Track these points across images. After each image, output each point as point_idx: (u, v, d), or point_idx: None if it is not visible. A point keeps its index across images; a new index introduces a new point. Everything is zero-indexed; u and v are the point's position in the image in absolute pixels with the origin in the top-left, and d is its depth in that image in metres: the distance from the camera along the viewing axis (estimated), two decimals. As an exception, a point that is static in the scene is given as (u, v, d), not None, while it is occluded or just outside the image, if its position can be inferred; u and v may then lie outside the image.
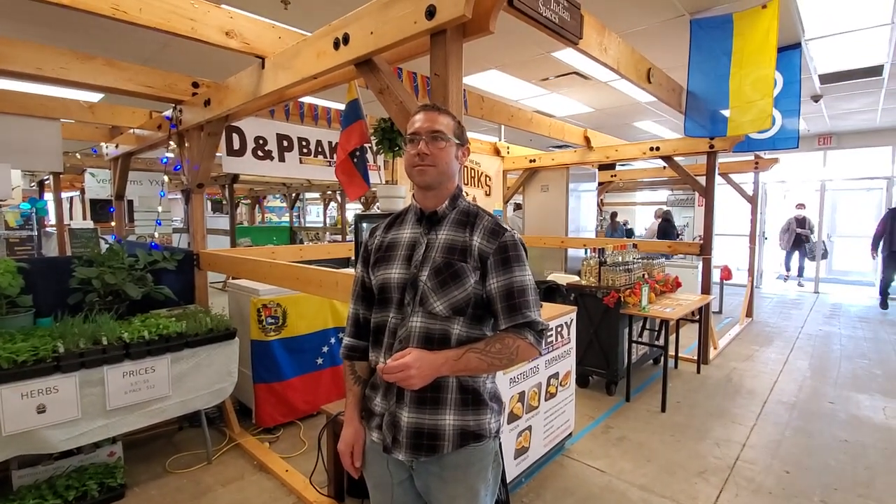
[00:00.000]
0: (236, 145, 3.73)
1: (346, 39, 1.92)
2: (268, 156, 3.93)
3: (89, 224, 8.14)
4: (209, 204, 14.33)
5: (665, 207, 11.12)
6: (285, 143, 4.07)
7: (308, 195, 16.40)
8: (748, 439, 3.26)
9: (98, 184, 8.21)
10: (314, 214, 21.72)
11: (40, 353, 2.23)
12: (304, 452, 3.06)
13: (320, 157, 4.35)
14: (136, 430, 2.57)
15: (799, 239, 9.48)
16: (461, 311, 1.21)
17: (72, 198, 12.76)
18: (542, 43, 4.31)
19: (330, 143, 4.43)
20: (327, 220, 17.76)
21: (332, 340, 3.63)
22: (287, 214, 19.67)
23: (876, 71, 5.24)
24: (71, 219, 11.55)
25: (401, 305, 1.25)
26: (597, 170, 6.85)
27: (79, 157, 6.34)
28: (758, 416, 3.63)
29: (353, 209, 16.41)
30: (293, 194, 13.26)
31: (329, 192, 15.25)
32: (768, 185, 9.72)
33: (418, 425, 1.22)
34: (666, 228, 9.64)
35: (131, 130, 4.47)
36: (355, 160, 2.37)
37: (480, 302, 1.23)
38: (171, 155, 3.64)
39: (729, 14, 3.63)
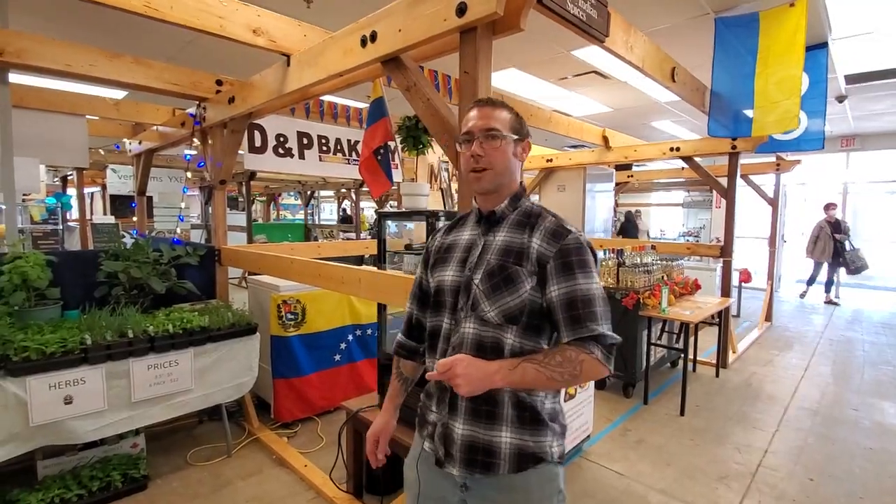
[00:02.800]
0: (258, 142, 3.76)
1: (373, 37, 1.93)
2: (288, 153, 3.96)
3: (110, 219, 8.30)
4: (225, 199, 14.51)
5: (629, 209, 11.65)
6: (305, 141, 4.10)
7: (322, 193, 16.51)
8: (770, 445, 3.21)
9: (119, 180, 8.36)
10: (327, 212, 21.86)
11: (69, 344, 2.27)
12: (322, 448, 3.08)
13: (339, 154, 4.37)
14: (159, 422, 2.61)
15: (836, 248, 7.78)
16: (514, 318, 1.11)
17: (93, 193, 13.01)
18: (563, 41, 4.28)
19: (349, 140, 4.45)
20: (340, 217, 17.89)
21: (350, 338, 3.65)
22: (301, 212, 19.84)
23: (905, 71, 5.11)
24: (92, 214, 11.77)
25: (454, 310, 1.19)
26: (614, 170, 6.79)
27: (102, 153, 6.46)
28: (779, 421, 3.56)
29: (369, 206, 16.49)
30: (308, 192, 13.37)
31: (343, 190, 15.35)
32: (788, 186, 9.55)
33: (472, 439, 1.15)
34: (627, 228, 10.28)
35: (155, 127, 4.54)
36: (379, 158, 2.38)
37: (538, 311, 1.12)
38: (193, 152, 3.68)
39: (755, 12, 3.56)
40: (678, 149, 5.05)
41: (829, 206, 8.00)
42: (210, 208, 3.54)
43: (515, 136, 1.19)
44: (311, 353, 3.41)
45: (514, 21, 1.62)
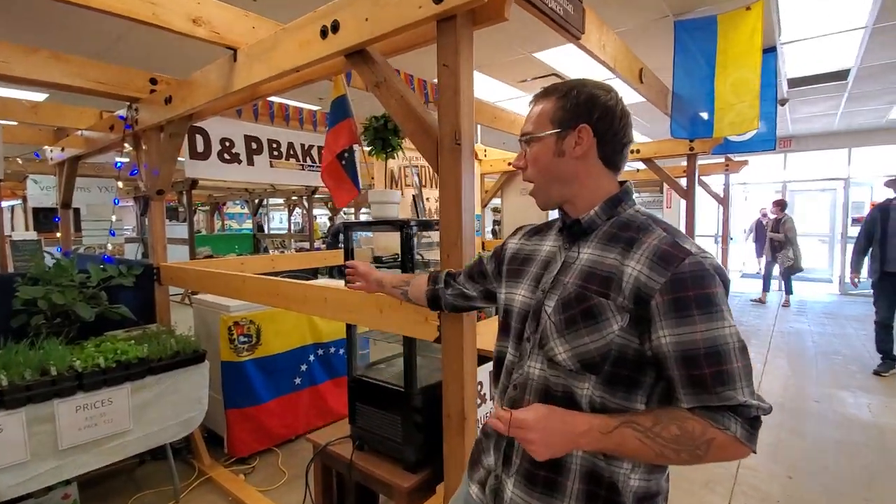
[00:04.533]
0: (200, 147, 3.42)
1: (335, 27, 1.71)
2: (235, 159, 3.64)
3: (32, 235, 7.50)
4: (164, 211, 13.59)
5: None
6: (254, 146, 3.78)
7: (272, 201, 15.83)
8: (744, 444, 3.21)
9: (42, 191, 7.58)
10: (277, 221, 21.07)
11: (-28, 389, 1.89)
12: (284, 483, 2.78)
13: (292, 160, 4.07)
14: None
15: (772, 245, 7.73)
16: (593, 366, 0.85)
17: (13, 207, 11.82)
18: (526, 44, 4.20)
19: (303, 145, 4.16)
20: (292, 227, 17.20)
21: (311, 358, 3.37)
22: (248, 221, 18.97)
23: (842, 75, 5.42)
24: (13, 229, 10.68)
25: (519, 339, 0.98)
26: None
27: (20, 162, 5.78)
28: (749, 418, 3.60)
29: (321, 214, 15.97)
30: (256, 200, 12.73)
31: (294, 198, 14.77)
32: (731, 187, 10.02)
33: None
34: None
35: (79, 132, 4.06)
36: (343, 162, 2.15)
37: (632, 360, 0.84)
38: (125, 160, 3.29)
39: (713, 15, 3.61)
40: (638, 151, 5.10)
41: (776, 204, 7.71)
42: (146, 221, 3.16)
43: (556, 129, 0.92)
44: (267, 378, 3.10)
45: (498, 10, 1.46)
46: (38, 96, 4.65)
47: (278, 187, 11.24)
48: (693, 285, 0.80)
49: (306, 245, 11.95)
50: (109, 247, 3.53)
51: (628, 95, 5.02)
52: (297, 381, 3.27)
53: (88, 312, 2.48)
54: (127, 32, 3.95)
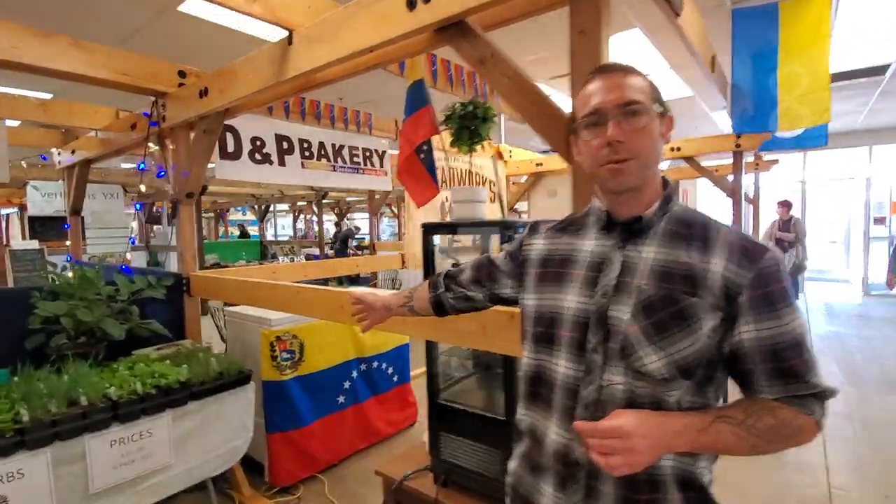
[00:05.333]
0: (231, 147, 3.15)
1: (427, -5, 1.46)
2: (266, 159, 3.37)
3: (34, 244, 7.16)
4: (166, 217, 13.26)
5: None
6: (285, 145, 3.52)
7: (277, 207, 15.53)
8: (826, 460, 2.96)
9: (43, 198, 7.23)
10: (279, 227, 20.78)
11: (-6, 425, 1.61)
12: (336, 517, 2.50)
13: (323, 160, 3.81)
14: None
15: (780, 246, 7.41)
16: (689, 372, 0.82)
17: (8, 215, 11.47)
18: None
19: (333, 145, 3.90)
20: (297, 233, 16.89)
21: (354, 374, 3.09)
22: (251, 228, 18.64)
23: (880, 70, 5.23)
24: (9, 239, 10.33)
25: (580, 350, 0.88)
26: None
27: (24, 165, 5.47)
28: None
29: (327, 220, 15.67)
30: (263, 206, 12.44)
31: (301, 204, 14.48)
32: (748, 186, 9.84)
33: None
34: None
35: (93, 133, 3.78)
36: (422, 156, 1.89)
37: (713, 359, 0.83)
38: (147, 161, 3.01)
39: (773, 3, 3.40)
40: (679, 149, 4.87)
41: (782, 204, 7.45)
42: (172, 227, 2.89)
43: (660, 109, 0.88)
44: (311, 397, 2.82)
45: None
46: (44, 94, 4.36)
47: (287, 192, 10.96)
48: (775, 279, 0.81)
49: (315, 251, 11.65)
50: (129, 256, 3.25)
51: (676, 90, 4.71)
52: (341, 399, 2.99)
53: (119, 330, 2.20)
54: (146, 24, 3.69)
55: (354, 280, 7.92)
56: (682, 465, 0.84)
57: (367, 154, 4.24)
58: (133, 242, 3.36)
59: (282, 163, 3.48)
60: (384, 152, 4.43)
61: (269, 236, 16.96)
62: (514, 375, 1.60)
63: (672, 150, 4.90)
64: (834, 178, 9.58)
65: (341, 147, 3.97)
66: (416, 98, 1.89)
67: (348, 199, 14.34)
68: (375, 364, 3.23)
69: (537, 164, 5.90)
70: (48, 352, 2.15)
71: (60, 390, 1.81)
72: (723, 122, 7.60)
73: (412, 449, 2.13)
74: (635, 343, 0.83)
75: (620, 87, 0.86)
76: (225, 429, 2.21)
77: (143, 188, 3.07)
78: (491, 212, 5.79)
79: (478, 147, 1.82)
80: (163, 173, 2.87)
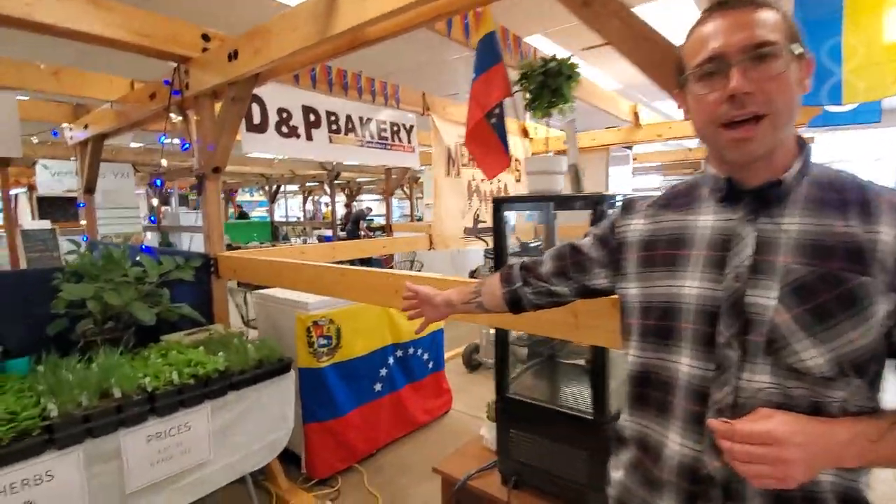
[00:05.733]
0: (257, 119, 2.93)
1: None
2: (293, 133, 3.15)
3: (46, 224, 7.01)
4: (176, 198, 13.09)
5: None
6: (312, 118, 3.30)
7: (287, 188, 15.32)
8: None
9: (52, 177, 7.07)
10: (285, 208, 20.62)
11: (21, 422, 1.44)
12: (380, 511, 2.36)
13: (351, 134, 3.58)
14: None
15: None
16: (861, 367, 0.67)
17: (16, 195, 11.32)
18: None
19: (361, 118, 3.67)
20: (306, 214, 16.71)
21: (391, 361, 2.92)
22: (259, 209, 18.48)
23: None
24: (17, 220, 10.20)
25: (708, 346, 0.74)
26: (631, 151, 6.31)
27: (35, 141, 5.28)
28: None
29: (338, 202, 15.46)
30: (273, 186, 12.22)
31: (310, 185, 14.25)
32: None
33: None
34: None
35: (107, 105, 3.56)
36: (494, 121, 1.67)
37: (883, 352, 0.69)
38: (168, 134, 2.80)
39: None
40: (719, 124, 4.59)
41: None
42: (185, 208, 2.70)
43: (799, 51, 0.69)
44: (348, 385, 2.66)
45: None
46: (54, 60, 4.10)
47: (298, 172, 10.74)
48: None
49: (327, 233, 11.47)
50: (148, 236, 3.07)
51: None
52: (378, 387, 2.83)
53: (149, 315, 2.02)
54: (161, -14, 3.43)
55: (366, 262, 7.77)
56: (845, 481, 0.71)
57: (395, 129, 4.01)
58: (154, 221, 3.16)
59: (309, 137, 3.26)
60: (412, 127, 4.19)
61: (278, 217, 16.82)
62: (605, 370, 1.41)
63: (714, 125, 4.62)
64: (880, 157, 9.21)
65: (368, 121, 3.74)
66: (488, 54, 1.66)
67: (359, 179, 14.11)
68: (411, 350, 3.06)
69: (565, 142, 5.63)
70: (73, 339, 1.98)
71: (91, 381, 1.64)
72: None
73: (469, 444, 1.96)
74: (787, 334, 0.68)
75: (748, 25, 0.68)
76: (265, 420, 2.05)
77: (164, 163, 2.87)
78: (517, 192, 5.56)
79: (557, 111, 1.59)
80: (186, 145, 2.67)
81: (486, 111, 1.64)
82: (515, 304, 1.07)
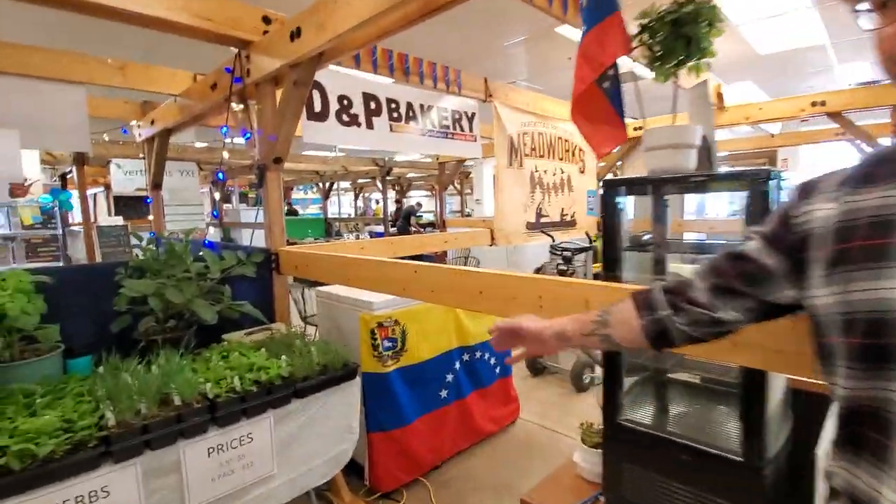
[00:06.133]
0: (318, 106, 2.78)
1: None
2: (354, 121, 2.98)
3: (118, 220, 7.36)
4: (237, 195, 13.55)
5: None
6: (372, 106, 3.12)
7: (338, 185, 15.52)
8: None
9: (125, 176, 7.40)
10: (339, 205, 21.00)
11: (77, 431, 1.32)
12: (450, 533, 2.14)
13: (412, 123, 3.38)
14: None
15: None
16: None
17: (95, 195, 12.07)
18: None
19: (422, 105, 3.46)
20: (357, 211, 16.88)
21: (457, 365, 2.69)
22: (312, 206, 18.90)
23: None
24: (95, 218, 10.86)
25: None
26: (700, 130, 5.74)
27: (106, 139, 5.47)
28: None
29: (390, 197, 15.49)
30: (326, 183, 12.37)
31: (362, 181, 14.36)
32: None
33: None
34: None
35: (171, 99, 3.55)
36: (607, 85, 1.39)
37: None
38: (232, 132, 2.70)
39: None
40: (823, 103, 4.03)
41: None
42: (259, 198, 2.58)
43: None
44: (414, 391, 2.46)
45: None
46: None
47: (350, 168, 10.78)
48: None
49: (378, 229, 11.48)
50: (211, 231, 3.00)
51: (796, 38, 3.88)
52: (444, 393, 2.61)
53: (211, 313, 1.89)
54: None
55: (417, 259, 7.62)
56: None
57: (457, 117, 3.77)
58: (216, 215, 3.10)
59: (370, 125, 3.08)
60: (473, 115, 3.94)
61: (331, 214, 17.11)
62: (763, 401, 1.10)
63: (814, 104, 4.06)
64: None
65: (429, 108, 3.52)
66: (602, 2, 1.36)
67: (409, 175, 14.05)
68: (479, 354, 2.82)
69: (636, 129, 5.20)
70: (136, 337, 1.88)
71: (151, 387, 1.51)
72: (844, 79, 6.48)
73: (561, 472, 1.70)
74: None
75: None
76: (330, 431, 1.87)
77: (226, 155, 2.78)
78: (581, 185, 5.20)
79: (685, 72, 1.28)
80: (247, 135, 2.55)
81: (598, 73, 1.35)
82: (660, 338, 0.82)
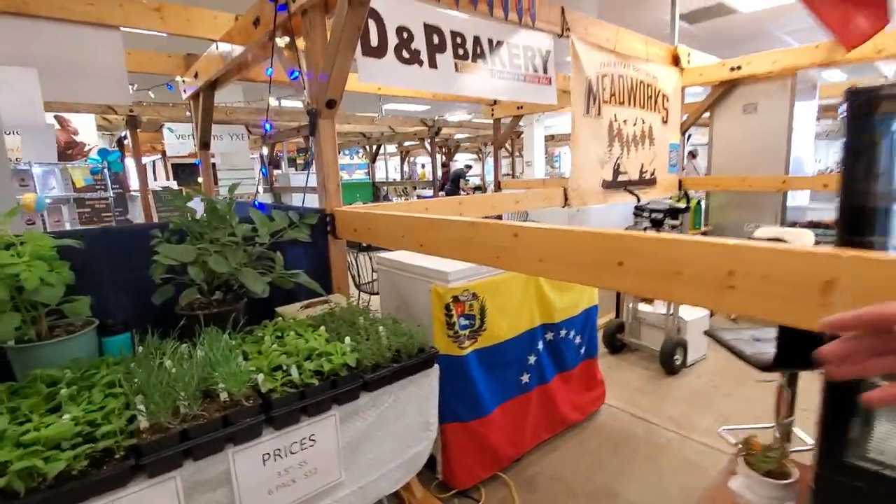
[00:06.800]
0: (374, 40, 2.35)
1: None
2: (415, 58, 2.54)
3: (173, 184, 7.37)
4: (286, 160, 13.48)
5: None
6: (436, 40, 2.65)
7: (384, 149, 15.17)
8: None
9: (178, 140, 7.34)
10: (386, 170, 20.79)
11: (100, 438, 1.03)
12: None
13: (479, 61, 2.89)
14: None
15: None
16: None
17: (154, 162, 12.33)
18: None
19: (490, 41, 2.95)
20: (403, 175, 16.53)
21: (540, 346, 2.31)
22: (359, 171, 18.72)
23: None
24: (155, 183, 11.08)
25: None
26: (818, 76, 4.87)
27: (152, 95, 5.31)
28: None
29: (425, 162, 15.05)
30: (374, 146, 12.02)
31: (409, 144, 13.93)
32: None
33: None
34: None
35: (214, 48, 3.23)
36: None
37: None
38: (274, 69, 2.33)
39: None
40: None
41: None
42: (310, 155, 2.22)
43: None
44: (492, 376, 2.10)
45: None
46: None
47: (398, 130, 10.36)
48: None
49: (427, 192, 11.11)
50: (261, 190, 2.69)
51: None
52: (525, 378, 2.24)
53: (261, 285, 1.58)
54: None
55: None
56: None
57: (529, 54, 3.24)
58: (265, 172, 2.78)
59: (433, 64, 2.63)
60: (548, 53, 3.38)
61: (378, 179, 16.87)
62: None
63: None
64: None
65: (499, 45, 3.01)
66: None
67: (457, 136, 13.48)
68: (563, 332, 2.41)
69: (733, 69, 4.44)
70: (178, 312, 1.60)
71: (192, 378, 1.21)
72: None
73: (716, 496, 1.29)
74: None
75: None
76: (404, 429, 1.54)
77: (272, 101, 2.42)
78: (663, 137, 4.55)
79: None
80: (295, 74, 2.17)
81: None
82: None
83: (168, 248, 1.51)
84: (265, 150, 7.15)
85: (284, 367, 1.33)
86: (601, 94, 3.73)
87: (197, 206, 1.75)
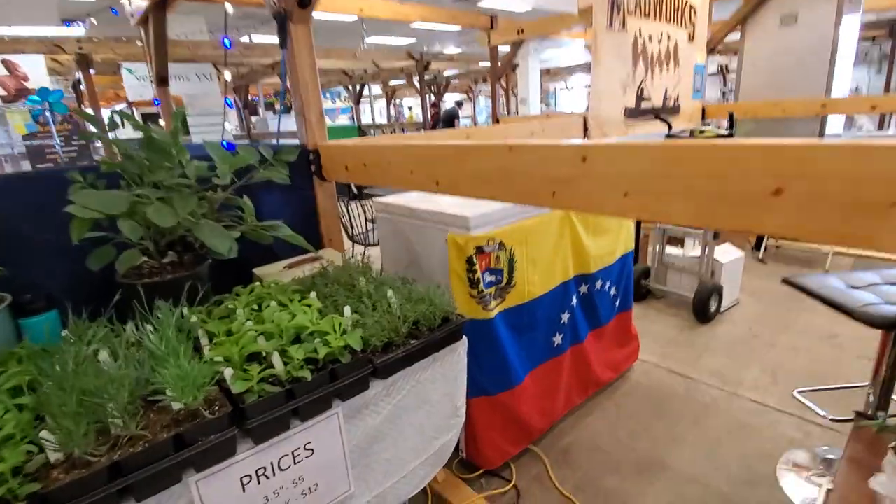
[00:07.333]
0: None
1: None
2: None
3: (137, 134, 6.73)
4: (262, 105, 12.60)
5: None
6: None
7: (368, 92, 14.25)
8: None
9: (138, 81, 6.60)
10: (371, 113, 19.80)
11: (-13, 482, 0.67)
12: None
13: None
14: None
15: None
16: None
17: (121, 111, 11.42)
18: None
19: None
20: (390, 118, 15.67)
21: (574, 301, 1.96)
22: (342, 116, 17.74)
23: None
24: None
25: None
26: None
27: (95, 22, 4.62)
28: None
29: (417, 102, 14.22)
30: (357, 86, 11.19)
31: (394, 83, 13.03)
32: None
33: None
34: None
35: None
36: None
37: None
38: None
39: None
40: None
41: None
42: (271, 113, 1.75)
43: None
44: (522, 340, 1.76)
45: None
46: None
47: (383, 66, 9.57)
48: None
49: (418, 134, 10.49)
50: (228, 126, 2.24)
51: None
52: (558, 339, 1.91)
53: (224, 243, 1.17)
54: None
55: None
56: None
57: (545, -48, 2.68)
58: (230, 104, 2.29)
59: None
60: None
61: (363, 122, 15.99)
62: None
63: None
64: None
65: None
66: None
67: (446, 73, 12.63)
68: (599, 283, 2.07)
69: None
70: (119, 281, 1.20)
71: (125, 382, 0.83)
72: None
73: (846, 489, 0.98)
74: None
75: None
76: (428, 418, 1.20)
77: (229, 8, 1.90)
78: (688, 57, 4.03)
79: None
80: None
81: None
82: None
83: (87, 195, 1.08)
84: (232, 93, 6.49)
85: (264, 355, 0.96)
86: (626, 2, 3.20)
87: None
